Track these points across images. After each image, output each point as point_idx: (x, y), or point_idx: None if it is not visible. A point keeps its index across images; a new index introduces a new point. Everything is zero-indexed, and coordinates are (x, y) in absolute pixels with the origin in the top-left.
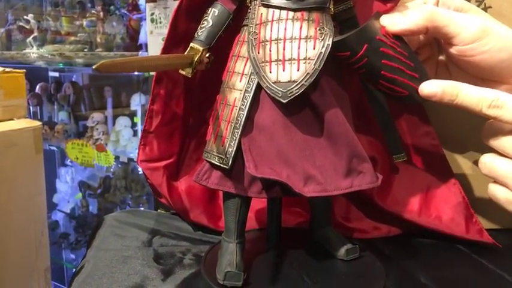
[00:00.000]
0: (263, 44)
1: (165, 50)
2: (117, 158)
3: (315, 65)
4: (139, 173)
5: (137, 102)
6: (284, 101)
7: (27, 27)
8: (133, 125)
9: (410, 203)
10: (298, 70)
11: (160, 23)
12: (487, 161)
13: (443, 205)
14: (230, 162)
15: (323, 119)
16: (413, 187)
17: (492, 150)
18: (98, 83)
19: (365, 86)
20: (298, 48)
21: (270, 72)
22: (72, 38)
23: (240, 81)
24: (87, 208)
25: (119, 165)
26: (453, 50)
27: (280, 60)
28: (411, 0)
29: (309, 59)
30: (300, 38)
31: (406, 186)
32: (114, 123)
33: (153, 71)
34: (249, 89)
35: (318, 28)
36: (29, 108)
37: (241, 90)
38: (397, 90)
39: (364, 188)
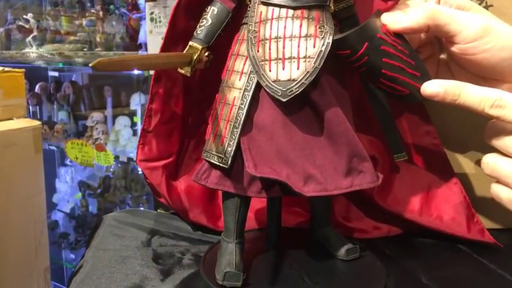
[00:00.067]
0: (263, 42)
1: (164, 48)
2: (116, 157)
3: (315, 63)
4: (139, 172)
5: (137, 101)
6: (284, 100)
7: (27, 26)
8: (133, 124)
9: (411, 203)
10: (298, 69)
11: (159, 22)
12: (490, 161)
13: (445, 205)
14: (229, 161)
15: (323, 118)
16: (414, 186)
17: (494, 150)
18: (98, 83)
19: (365, 84)
20: (298, 46)
21: (270, 70)
22: (72, 38)
23: (240, 80)
24: (86, 208)
25: (119, 165)
26: (455, 49)
27: (279, 59)
28: None
29: (308, 57)
30: (300, 36)
31: (407, 185)
32: (113, 123)
33: (151, 69)
34: (248, 88)
35: (318, 26)
36: (29, 108)
37: (240, 89)
38: (398, 89)
39: (364, 188)
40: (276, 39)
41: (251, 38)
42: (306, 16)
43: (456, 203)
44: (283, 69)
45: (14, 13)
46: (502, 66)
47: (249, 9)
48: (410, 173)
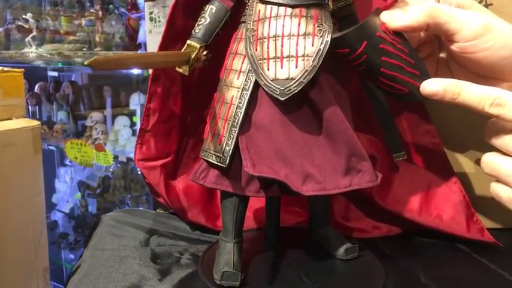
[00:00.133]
0: (261, 41)
1: (162, 47)
2: (116, 157)
3: (313, 62)
4: (139, 172)
5: (136, 101)
6: (282, 99)
7: (26, 26)
8: (133, 124)
9: (410, 202)
10: (296, 67)
11: (159, 21)
12: (490, 160)
13: (444, 204)
14: (227, 160)
15: (322, 117)
16: (413, 186)
17: (494, 149)
18: (97, 83)
19: (364, 83)
20: (297, 45)
21: (268, 69)
22: (71, 37)
23: (238, 78)
24: (86, 208)
25: (118, 165)
26: (454, 47)
27: (278, 58)
28: None
29: (307, 56)
30: (298, 35)
31: (406, 185)
32: (113, 123)
33: (149, 68)
34: (246, 87)
35: (316, 25)
36: (28, 108)
37: (238, 88)
38: (397, 87)
39: (363, 187)
40: (274, 38)
41: (249, 36)
42: (305, 14)
43: (456, 202)
44: (282, 67)
45: (14, 13)
46: (502, 65)
47: (247, 7)
48: (409, 172)
